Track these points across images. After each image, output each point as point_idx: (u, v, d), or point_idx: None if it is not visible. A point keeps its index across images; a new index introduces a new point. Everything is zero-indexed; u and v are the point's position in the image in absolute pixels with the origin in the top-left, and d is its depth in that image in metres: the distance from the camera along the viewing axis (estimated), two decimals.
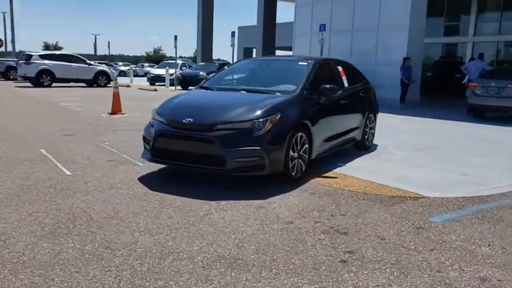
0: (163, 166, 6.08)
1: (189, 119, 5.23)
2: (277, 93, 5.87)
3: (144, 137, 5.78)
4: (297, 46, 22.00)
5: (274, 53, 31.65)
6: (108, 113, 12.33)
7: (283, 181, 5.38)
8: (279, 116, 5.22)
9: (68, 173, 5.93)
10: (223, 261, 3.37)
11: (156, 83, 26.40)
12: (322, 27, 15.22)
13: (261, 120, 5.10)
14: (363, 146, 7.63)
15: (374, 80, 14.84)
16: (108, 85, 23.47)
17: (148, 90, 22.42)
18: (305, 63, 6.51)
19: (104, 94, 18.57)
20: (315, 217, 4.39)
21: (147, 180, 5.55)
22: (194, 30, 40.58)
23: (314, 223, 4.22)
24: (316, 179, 5.75)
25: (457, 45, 29.93)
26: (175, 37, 24.04)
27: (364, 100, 7.62)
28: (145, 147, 5.79)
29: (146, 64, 52.58)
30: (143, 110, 12.50)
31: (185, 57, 47.27)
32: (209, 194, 4.99)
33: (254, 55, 43.55)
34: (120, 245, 3.63)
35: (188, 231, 3.94)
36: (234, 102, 5.64)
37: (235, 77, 6.92)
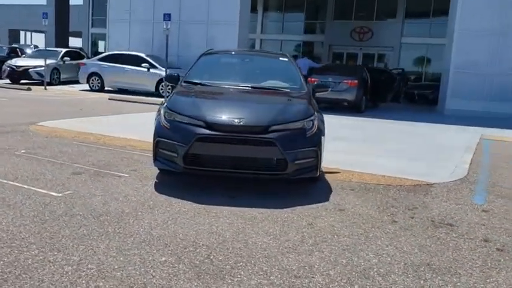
0: (153, 173, 5.23)
1: (238, 120, 4.67)
2: (288, 90, 5.74)
3: (160, 142, 4.86)
4: (113, 34, 20.52)
5: (68, 39, 28.56)
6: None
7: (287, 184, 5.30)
8: (317, 114, 5.16)
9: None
10: None
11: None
12: (167, 17, 14.66)
13: (310, 119, 4.94)
14: None
15: None
16: None
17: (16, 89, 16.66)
18: (286, 59, 6.50)
19: None
20: (403, 211, 4.58)
21: (162, 193, 4.74)
22: None
23: (411, 219, 4.42)
24: (326, 176, 5.85)
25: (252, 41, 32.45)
26: None
27: None
28: (161, 155, 4.88)
29: None
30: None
31: None
32: (259, 202, 4.64)
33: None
34: None
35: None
36: (268, 101, 5.30)
37: (220, 72, 6.34)
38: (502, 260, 3.58)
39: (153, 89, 16.65)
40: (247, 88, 5.69)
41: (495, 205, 5.03)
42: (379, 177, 5.95)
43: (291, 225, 4.08)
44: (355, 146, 8.34)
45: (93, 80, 17.49)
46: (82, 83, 17.98)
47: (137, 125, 9.66)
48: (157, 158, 4.92)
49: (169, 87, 15.45)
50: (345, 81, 14.58)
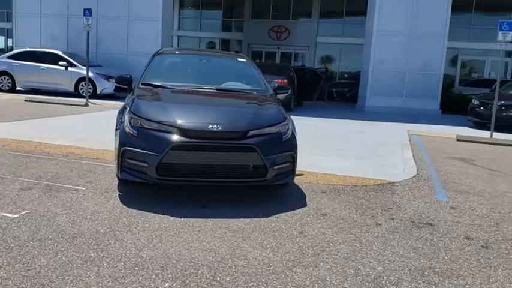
0: (112, 184, 4.81)
1: (215, 126, 4.41)
2: (254, 93, 5.57)
3: (127, 151, 4.45)
4: (21, 29, 18.86)
5: None
6: None
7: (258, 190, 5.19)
8: (289, 117, 5.05)
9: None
10: None
11: None
12: (88, 12, 13.71)
13: (285, 123, 4.82)
14: None
15: (128, 69, 14.66)
16: None
17: None
18: (245, 60, 6.33)
19: None
20: (381, 213, 4.61)
21: (124, 205, 4.38)
22: None
23: (391, 220, 4.47)
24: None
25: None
26: None
27: None
28: (128, 165, 4.47)
29: None
30: None
31: None
32: (227, 212, 4.45)
33: None
34: None
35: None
36: (241, 104, 5.08)
37: (178, 73, 5.95)
38: (492, 257, 3.71)
39: (72, 89, 15.54)
40: (212, 91, 5.42)
41: (458, 201, 5.26)
42: (342, 177, 5.98)
43: (282, 235, 3.92)
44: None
45: (2, 80, 15.91)
46: None
47: (70, 128, 8.90)
48: (123, 169, 4.50)
49: (114, 88, 14.37)
50: (275, 80, 14.60)
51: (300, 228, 4.09)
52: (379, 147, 8.83)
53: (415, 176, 6.38)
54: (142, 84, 5.46)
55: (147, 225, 3.94)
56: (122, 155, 4.48)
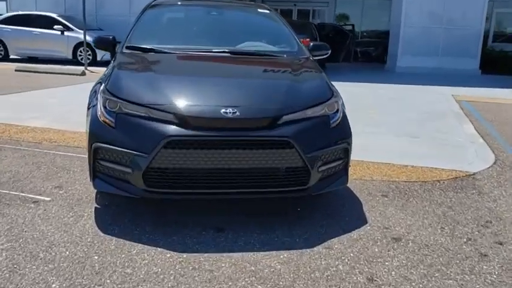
0: (89, 190, 3.36)
1: (231, 110, 2.89)
2: (285, 56, 3.99)
3: (100, 150, 2.98)
4: None
5: None
6: None
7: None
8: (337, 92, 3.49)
9: None
10: None
11: None
12: None
13: (333, 101, 3.27)
14: None
15: None
16: None
17: None
18: (268, 11, 4.71)
19: None
20: (479, 232, 3.10)
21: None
22: None
23: (500, 246, 2.95)
24: None
25: None
26: None
27: None
28: (103, 170, 3.01)
29: None
30: None
31: None
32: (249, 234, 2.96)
33: None
34: None
35: None
36: (266, 75, 3.54)
37: (177, 31, 4.36)
38: None
39: (70, 56, 14.02)
40: (225, 55, 3.85)
41: None
42: (402, 168, 4.44)
43: (345, 284, 2.44)
44: None
45: None
46: None
47: (56, 105, 7.43)
48: (97, 175, 3.03)
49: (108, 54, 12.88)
50: None
51: (368, 269, 2.61)
52: (430, 119, 7.22)
53: (495, 163, 4.81)
54: (128, 48, 3.92)
55: (127, 271, 2.50)
56: (94, 155, 3.00)
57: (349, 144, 3.23)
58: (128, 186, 2.93)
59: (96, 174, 3.04)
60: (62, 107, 7.20)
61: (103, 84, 3.24)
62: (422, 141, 5.66)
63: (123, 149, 2.88)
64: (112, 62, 3.73)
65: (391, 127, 6.41)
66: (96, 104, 3.12)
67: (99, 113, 3.05)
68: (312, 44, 4.37)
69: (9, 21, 14.45)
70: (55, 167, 4.19)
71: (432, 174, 4.33)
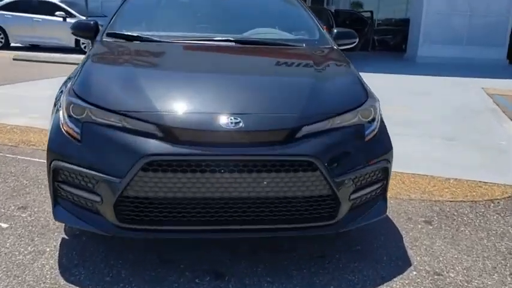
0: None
1: (234, 119, 2.14)
2: (303, 46, 3.20)
3: (62, 171, 2.25)
4: None
5: None
6: None
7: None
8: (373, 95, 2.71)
9: None
10: None
11: None
12: None
13: (369, 105, 2.49)
14: None
15: None
16: None
17: None
18: None
19: None
20: None
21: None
22: None
23: None
24: None
25: None
26: None
27: None
28: (65, 196, 2.29)
29: None
30: None
31: None
32: None
33: None
34: None
35: None
36: (281, 71, 2.77)
37: (170, 15, 3.59)
38: None
39: (72, 44, 13.31)
40: (229, 45, 3.08)
41: None
42: (444, 182, 3.67)
43: None
44: None
45: None
46: None
47: (47, 98, 6.71)
48: (58, 202, 2.31)
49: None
50: None
51: None
52: (463, 116, 6.39)
53: None
54: (108, 35, 3.17)
55: None
56: (53, 176, 2.27)
57: (390, 161, 2.47)
58: (96, 219, 2.21)
59: (57, 200, 2.31)
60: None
61: (69, 84, 2.51)
62: (460, 145, 4.86)
63: (89, 171, 2.15)
64: (88, 53, 2.98)
65: (422, 127, 5.61)
66: (59, 111, 2.39)
67: (61, 121, 2.32)
68: (336, 30, 3.58)
69: (9, 7, 13.75)
70: (26, 179, 3.49)
71: (482, 190, 3.55)
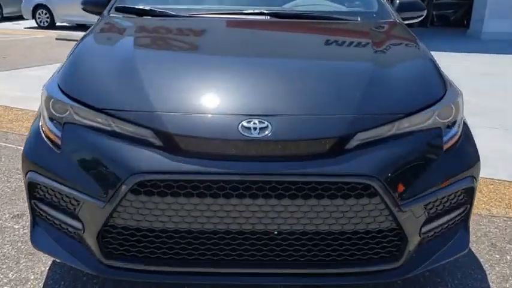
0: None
1: (258, 124, 1.52)
2: (358, 20, 2.51)
3: (38, 187, 1.73)
4: None
5: None
6: None
7: None
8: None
9: None
10: None
11: None
12: None
13: (445, 101, 1.79)
14: None
15: None
16: None
17: None
18: None
19: None
20: None
21: None
22: None
23: None
24: None
25: None
26: None
27: None
28: (44, 218, 1.78)
29: None
30: None
31: None
32: None
33: None
34: None
35: None
36: (326, 55, 2.13)
37: None
38: None
39: None
40: (261, 19, 2.45)
41: None
42: None
43: None
44: None
45: (39, 14, 13.71)
46: (28, 18, 14.20)
47: None
48: (37, 222, 1.80)
49: None
50: None
51: None
52: None
53: None
54: (117, 10, 2.61)
55: None
56: (28, 191, 1.76)
57: (476, 179, 1.78)
58: (80, 252, 1.68)
59: (35, 221, 1.81)
60: None
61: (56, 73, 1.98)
62: None
63: (68, 189, 1.62)
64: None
65: (497, 116, 4.77)
66: (41, 110, 1.87)
67: (41, 121, 1.80)
68: (398, 1, 2.84)
69: None
70: None
71: None
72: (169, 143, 1.54)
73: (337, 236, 1.58)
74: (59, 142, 1.69)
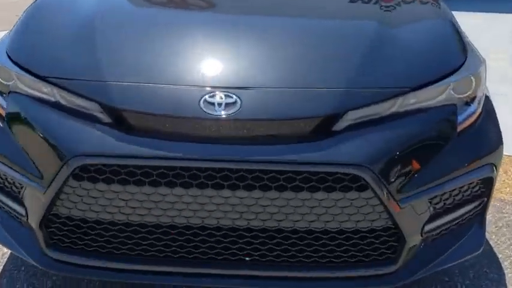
0: None
1: (224, 98, 1.25)
2: None
3: None
4: None
5: None
6: None
7: None
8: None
9: None
10: None
11: None
12: None
13: (469, 71, 1.45)
14: None
15: None
16: None
17: None
18: None
19: None
20: None
21: None
22: None
23: None
24: None
25: None
26: None
27: None
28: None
29: None
30: None
31: None
32: None
33: None
34: None
35: None
36: (316, 11, 1.78)
37: None
38: None
39: None
40: None
41: None
42: None
43: None
44: None
45: None
46: None
47: None
48: None
49: None
50: None
51: None
52: None
53: None
54: None
55: None
56: None
57: (496, 168, 1.47)
58: (25, 239, 1.47)
59: None
60: None
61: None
62: None
63: (9, 169, 1.39)
64: None
65: None
66: None
67: None
68: None
69: None
70: None
71: None
72: (117, 120, 1.28)
73: (319, 235, 1.31)
74: (3, 114, 1.46)
